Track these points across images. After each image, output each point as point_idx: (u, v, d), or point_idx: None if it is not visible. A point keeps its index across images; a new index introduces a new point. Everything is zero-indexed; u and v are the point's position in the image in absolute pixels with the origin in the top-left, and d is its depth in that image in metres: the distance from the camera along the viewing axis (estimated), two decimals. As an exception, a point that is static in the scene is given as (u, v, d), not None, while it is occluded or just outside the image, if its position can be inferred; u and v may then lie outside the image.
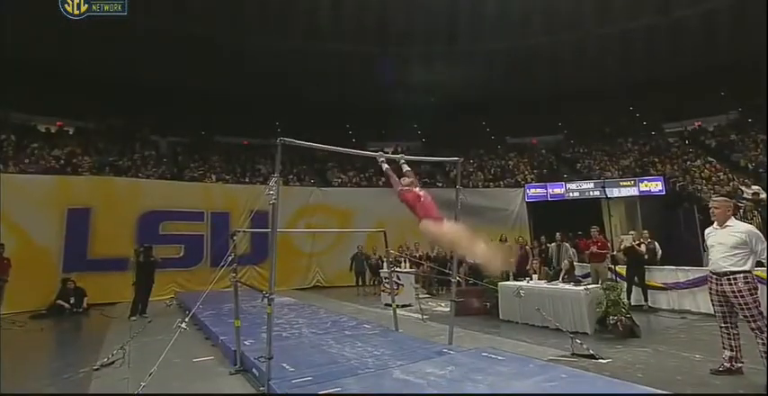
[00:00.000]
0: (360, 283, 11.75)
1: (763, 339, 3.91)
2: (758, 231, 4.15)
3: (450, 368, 3.92)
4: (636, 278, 7.98)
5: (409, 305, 8.72)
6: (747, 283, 4.03)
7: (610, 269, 8.53)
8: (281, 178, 4.13)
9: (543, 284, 7.03)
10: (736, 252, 4.09)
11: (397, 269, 9.05)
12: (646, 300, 7.88)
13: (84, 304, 9.41)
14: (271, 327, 3.90)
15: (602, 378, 3.68)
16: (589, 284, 6.80)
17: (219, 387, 4.27)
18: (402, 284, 9.04)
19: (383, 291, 9.49)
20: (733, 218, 4.28)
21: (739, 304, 4.03)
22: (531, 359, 4.32)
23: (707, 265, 4.46)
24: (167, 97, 16.54)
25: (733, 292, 4.06)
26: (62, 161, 12.50)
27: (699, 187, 13.22)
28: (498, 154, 19.08)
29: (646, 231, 8.76)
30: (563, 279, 7.10)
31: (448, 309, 5.90)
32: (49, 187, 10.48)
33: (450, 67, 17.72)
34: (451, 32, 16.54)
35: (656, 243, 8.56)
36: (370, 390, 3.45)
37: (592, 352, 4.87)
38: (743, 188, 11.92)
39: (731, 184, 12.68)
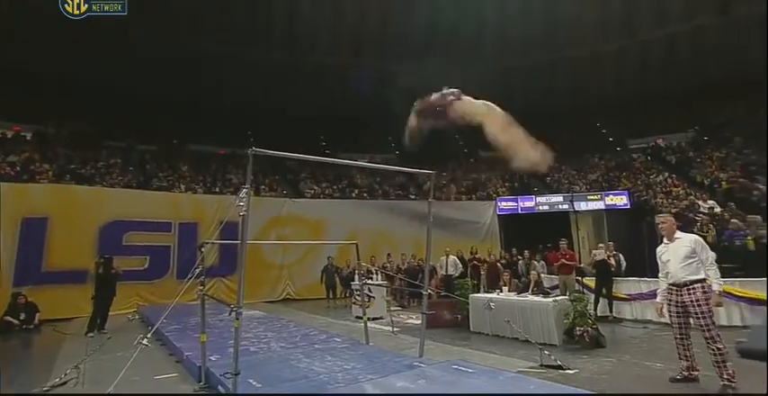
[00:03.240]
0: (330, 296, 11.61)
1: (714, 349, 4.11)
2: (702, 240, 4.43)
3: (421, 382, 3.91)
4: (604, 290, 8.22)
5: (380, 318, 8.71)
6: (705, 292, 4.26)
7: (577, 281, 8.75)
8: (252, 189, 4.07)
9: (513, 297, 7.13)
10: (690, 261, 4.34)
11: (369, 281, 9.01)
12: (611, 310, 8.12)
13: (36, 320, 8.87)
14: (238, 341, 3.80)
15: (569, 389, 3.73)
16: (557, 296, 6.95)
17: (182, 405, 4.09)
18: (373, 297, 9.00)
19: (354, 303, 9.43)
20: (678, 231, 4.54)
21: (696, 313, 4.23)
22: (501, 371, 4.35)
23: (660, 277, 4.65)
24: (136, 103, 16.10)
25: (692, 301, 4.26)
26: (18, 168, 11.92)
27: (660, 201, 13.79)
28: (471, 167, 19.42)
29: (611, 243, 9.05)
30: (532, 291, 7.22)
31: (419, 321, 5.92)
32: (3, 195, 9.95)
33: (425, 80, 18.01)
34: (428, 45, 16.85)
35: (620, 255, 8.85)
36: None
37: (560, 363, 4.98)
38: (699, 202, 12.52)
39: (689, 198, 13.28)
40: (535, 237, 11.79)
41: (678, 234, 4.53)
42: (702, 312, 4.19)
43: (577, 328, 6.04)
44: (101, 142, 15.26)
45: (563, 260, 8.76)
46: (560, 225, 12.45)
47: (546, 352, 5.17)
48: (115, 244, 10.75)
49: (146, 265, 11.34)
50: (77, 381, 4.82)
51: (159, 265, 11.47)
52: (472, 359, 5.07)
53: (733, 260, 8.82)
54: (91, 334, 7.78)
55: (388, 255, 12.04)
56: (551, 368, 4.94)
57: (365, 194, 16.55)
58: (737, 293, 7.25)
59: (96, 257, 9.08)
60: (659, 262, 4.57)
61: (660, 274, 4.58)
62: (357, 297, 8.89)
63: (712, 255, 4.43)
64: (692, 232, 9.51)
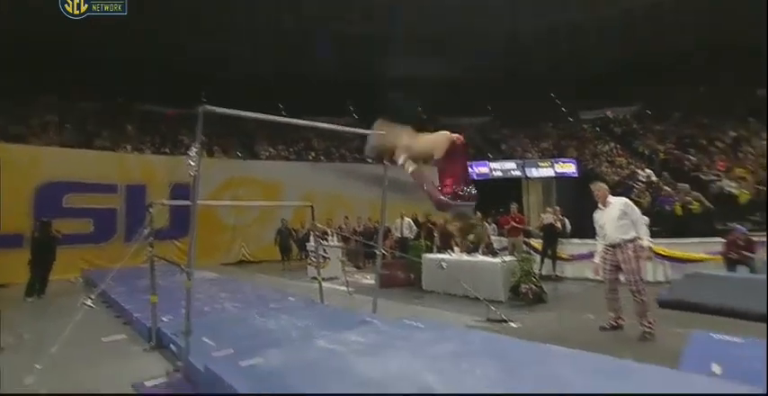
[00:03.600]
0: (285, 258, 11.57)
1: (639, 301, 4.65)
2: (631, 202, 4.88)
3: (373, 336, 4.04)
4: (549, 251, 8.77)
5: (336, 278, 8.84)
6: (635, 251, 4.71)
7: (525, 243, 9.22)
8: (203, 149, 3.90)
9: (464, 257, 7.43)
10: (622, 222, 4.77)
11: (324, 243, 9.08)
12: (554, 270, 8.70)
13: (-33, 287, 8.36)
14: (190, 301, 3.76)
15: (511, 339, 4.03)
16: (506, 257, 7.31)
17: (132, 365, 4.06)
18: (328, 258, 9.13)
19: (310, 264, 9.50)
20: (610, 196, 4.96)
21: (626, 269, 4.66)
22: (451, 326, 4.59)
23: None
24: (78, 57, 14.72)
25: (623, 259, 4.66)
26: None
27: (605, 170, 14.55)
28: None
29: (558, 208, 9.55)
30: (482, 252, 7.56)
31: (374, 281, 6.07)
32: None
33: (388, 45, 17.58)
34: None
35: (566, 219, 9.37)
36: (293, 359, 3.47)
37: (504, 317, 5.38)
38: (638, 172, 13.35)
39: (630, 167, 14.10)
40: (489, 201, 12.18)
41: (610, 199, 4.95)
42: (632, 269, 4.66)
43: (522, 286, 6.49)
44: (33, 97, 13.98)
45: (513, 223, 9.16)
46: (512, 191, 12.92)
47: (492, 308, 5.52)
48: (54, 206, 10.11)
49: (91, 229, 10.81)
50: (17, 346, 4.62)
51: (105, 227, 10.96)
52: (424, 316, 5.29)
53: (662, 224, 9.60)
54: (30, 299, 7.44)
55: (345, 217, 12.10)
56: (497, 322, 5.31)
57: (322, 157, 16.34)
58: (664, 253, 7.97)
59: (33, 221, 8.53)
60: (596, 226, 4.95)
61: (597, 237, 4.95)
62: (312, 258, 8.92)
63: (642, 217, 4.85)
64: (630, 198, 10.23)
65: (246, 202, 11.83)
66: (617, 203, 4.89)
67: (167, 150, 13.75)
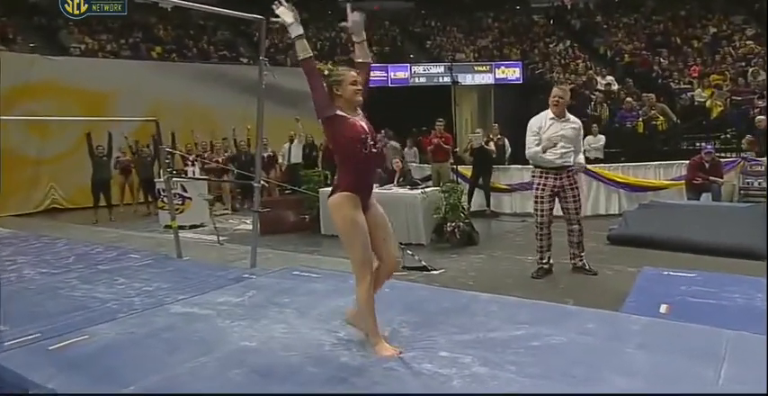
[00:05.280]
0: (107, 204, 10.59)
1: (576, 231, 5.29)
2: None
3: (250, 294, 4.13)
4: (481, 179, 9.25)
5: (201, 225, 8.84)
6: (576, 175, 5.29)
7: (453, 170, 9.65)
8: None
9: (375, 189, 7.57)
10: (573, 145, 5.21)
11: (182, 177, 8.98)
12: (488, 204, 9.28)
13: None
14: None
15: (426, 288, 4.32)
16: (427, 188, 7.61)
17: None
18: (189, 198, 9.01)
19: (161, 208, 9.29)
20: (566, 110, 5.28)
21: (574, 197, 5.20)
22: (352, 275, 4.73)
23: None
24: None
25: (571, 185, 5.17)
26: None
27: (556, 76, 15.37)
28: (327, 23, 18.80)
29: (496, 125, 9.99)
30: (398, 182, 7.78)
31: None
32: None
33: None
34: None
35: (505, 140, 9.86)
36: (134, 332, 3.40)
37: (424, 263, 5.69)
38: (598, 78, 14.29)
39: (588, 73, 15.05)
40: (407, 117, 12.37)
41: (567, 114, 5.25)
42: (575, 196, 5.21)
43: (448, 224, 6.83)
44: None
45: (439, 142, 9.42)
46: (439, 102, 13.17)
47: (409, 252, 5.79)
48: None
49: None
50: None
51: None
52: (321, 266, 5.42)
53: (622, 144, 10.56)
54: None
55: (211, 143, 11.55)
56: (415, 270, 5.60)
57: (173, 54, 15.40)
58: (617, 179, 8.84)
59: None
60: (535, 136, 5.19)
61: (532, 146, 5.24)
62: (164, 199, 8.69)
63: (600, 136, 5.41)
64: (586, 113, 11.00)
65: (52, 117, 10.79)
66: (575, 122, 5.28)
67: None
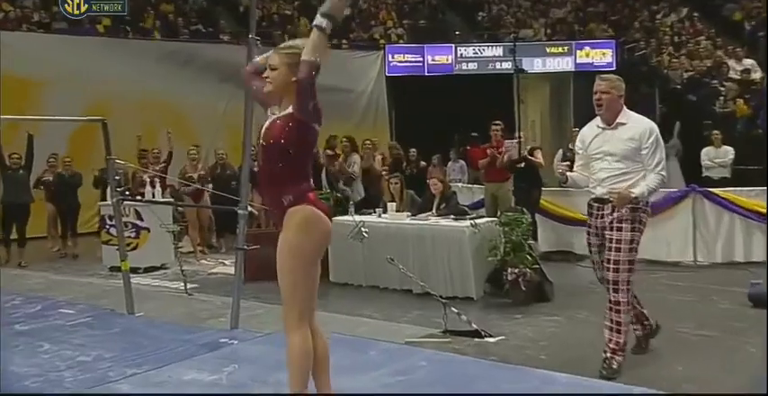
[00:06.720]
0: (19, 237, 10.06)
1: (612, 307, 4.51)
2: (658, 131, 4.57)
3: (230, 368, 4.13)
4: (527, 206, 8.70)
5: (162, 267, 8.96)
6: (634, 210, 4.43)
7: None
8: None
9: (405, 219, 7.48)
10: (625, 167, 4.46)
11: (137, 200, 8.91)
12: (535, 237, 8.45)
13: None
14: None
15: (479, 362, 4.20)
16: (479, 218, 7.39)
17: None
18: (147, 229, 9.02)
19: (106, 242, 9.24)
20: (627, 110, 4.62)
21: (615, 243, 4.41)
22: (377, 342, 4.65)
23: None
24: None
25: (611, 223, 4.44)
26: None
27: (666, 60, 14.95)
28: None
29: (576, 130, 9.68)
30: (438, 210, 7.55)
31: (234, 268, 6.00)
32: None
33: None
34: None
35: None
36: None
37: (475, 327, 5.41)
38: (730, 62, 13.81)
39: (715, 55, 14.60)
40: (451, 118, 12.19)
41: (624, 116, 4.58)
42: (618, 241, 4.41)
43: (509, 271, 6.52)
44: None
45: (496, 154, 9.11)
46: (495, 98, 12.93)
47: (454, 309, 5.52)
48: None
49: None
50: None
51: None
52: (330, 327, 5.17)
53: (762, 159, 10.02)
54: None
55: (170, 153, 11.33)
56: (462, 335, 5.37)
57: (126, 27, 15.42)
58: (762, 210, 8.04)
59: None
60: (582, 151, 4.78)
61: (578, 163, 4.87)
62: (111, 231, 8.70)
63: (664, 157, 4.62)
64: (713, 111, 10.23)
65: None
66: (631, 127, 4.52)
67: None
